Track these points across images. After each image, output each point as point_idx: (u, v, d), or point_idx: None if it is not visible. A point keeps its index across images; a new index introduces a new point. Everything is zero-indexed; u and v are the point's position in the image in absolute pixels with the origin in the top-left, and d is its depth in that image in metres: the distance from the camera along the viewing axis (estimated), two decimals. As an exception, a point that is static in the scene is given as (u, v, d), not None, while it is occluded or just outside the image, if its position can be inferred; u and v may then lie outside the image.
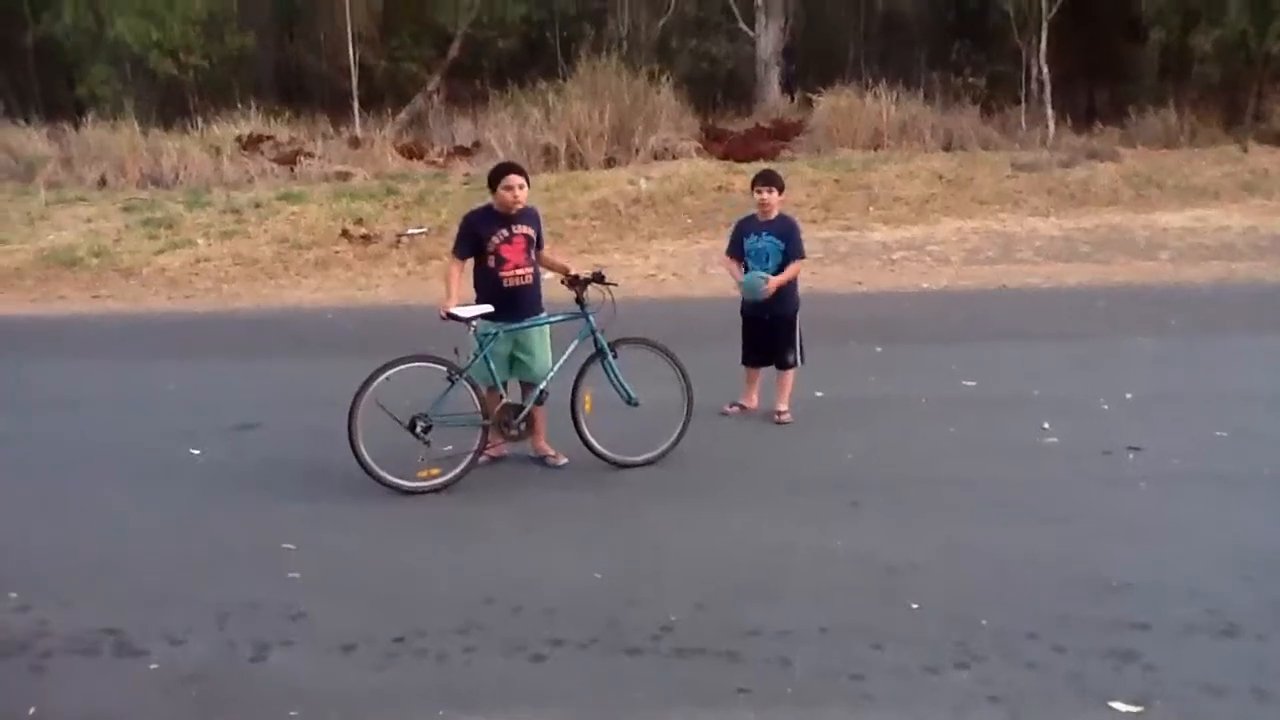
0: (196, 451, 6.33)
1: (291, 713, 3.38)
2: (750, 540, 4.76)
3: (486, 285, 5.77)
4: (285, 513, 5.26)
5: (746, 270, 6.66)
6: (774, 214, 6.62)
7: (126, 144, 18.31)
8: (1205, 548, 4.53)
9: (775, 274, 6.52)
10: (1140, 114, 18.80)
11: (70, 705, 3.47)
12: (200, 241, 14.95)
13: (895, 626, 3.86)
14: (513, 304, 5.74)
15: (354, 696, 3.50)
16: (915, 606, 4.02)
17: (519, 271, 5.76)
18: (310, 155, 18.60)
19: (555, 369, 5.79)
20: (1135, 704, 3.32)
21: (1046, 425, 6.29)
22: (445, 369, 5.45)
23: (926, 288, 11.73)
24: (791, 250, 6.57)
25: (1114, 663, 3.57)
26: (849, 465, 5.80)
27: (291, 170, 18.13)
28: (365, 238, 14.90)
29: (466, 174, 17.68)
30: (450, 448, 5.51)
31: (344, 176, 17.83)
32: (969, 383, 7.39)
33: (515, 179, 5.75)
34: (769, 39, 21.59)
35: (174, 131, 19.25)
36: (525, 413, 5.71)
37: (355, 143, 19.42)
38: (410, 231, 14.94)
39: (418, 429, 5.40)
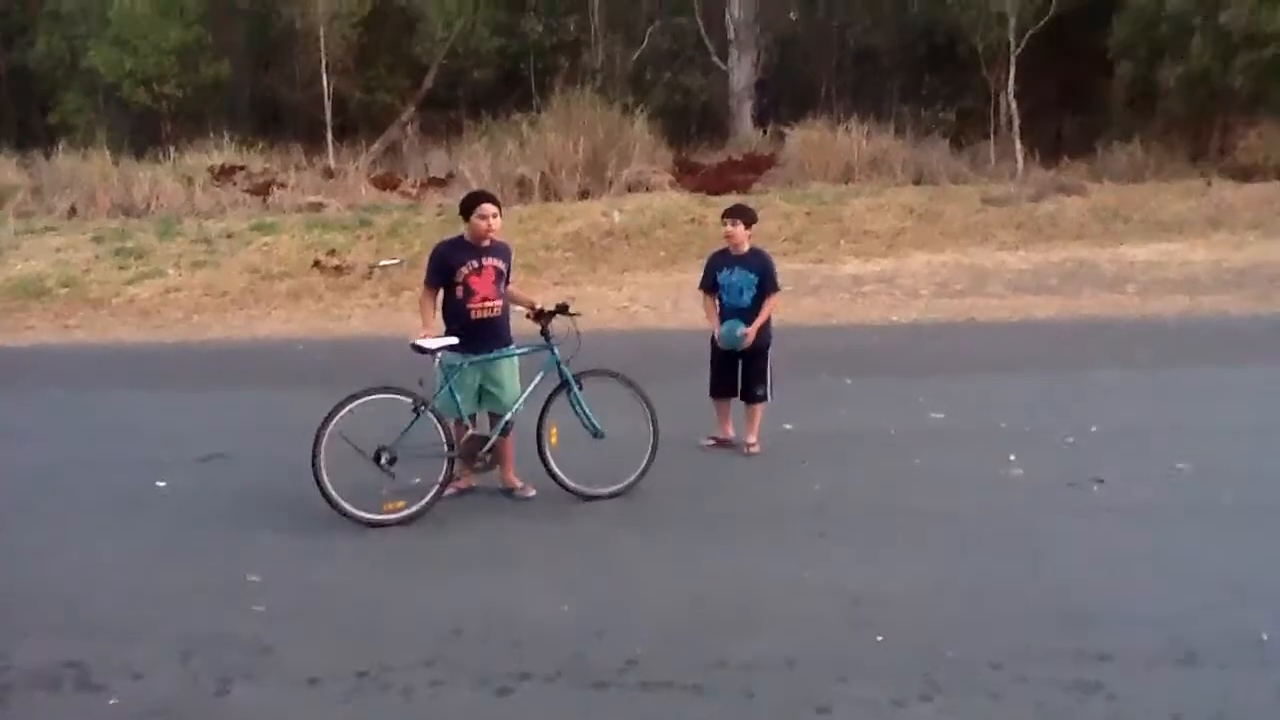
0: (162, 483, 6.28)
1: (254, 748, 3.35)
2: (718, 572, 4.76)
3: (454, 316, 5.78)
4: (251, 545, 5.23)
5: (721, 304, 6.69)
6: (745, 248, 6.66)
7: (98, 173, 18.27)
8: (1168, 578, 4.58)
9: (750, 307, 6.55)
10: (1107, 148, 19.09)
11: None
12: (171, 271, 14.90)
13: (861, 658, 3.88)
14: (481, 335, 5.75)
15: (318, 731, 3.47)
16: (880, 639, 4.04)
17: (487, 303, 5.76)
18: (283, 186, 18.61)
19: (521, 401, 5.80)
20: (1099, 735, 3.34)
21: (1012, 458, 6.35)
22: (410, 401, 5.44)
23: (896, 320, 11.83)
24: (767, 285, 6.61)
25: (1077, 694, 3.59)
26: (817, 497, 5.82)
27: (264, 201, 18.12)
28: (338, 269, 14.89)
29: (440, 205, 17.70)
30: (419, 480, 5.50)
31: (317, 207, 17.83)
32: (937, 415, 7.45)
33: (489, 208, 5.78)
34: (742, 72, 21.83)
35: (146, 161, 19.23)
36: (491, 444, 5.71)
37: (329, 173, 19.43)
38: (383, 263, 14.94)
39: (382, 461, 5.38)
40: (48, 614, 4.45)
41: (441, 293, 5.82)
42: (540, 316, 5.81)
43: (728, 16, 21.96)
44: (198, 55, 21.16)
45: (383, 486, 5.41)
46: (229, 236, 16.06)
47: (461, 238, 5.86)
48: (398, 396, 5.44)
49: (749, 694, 3.63)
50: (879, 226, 15.99)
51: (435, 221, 16.48)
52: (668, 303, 13.11)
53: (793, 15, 24.43)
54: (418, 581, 4.74)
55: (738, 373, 6.68)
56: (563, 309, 5.80)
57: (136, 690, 3.74)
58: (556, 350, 5.80)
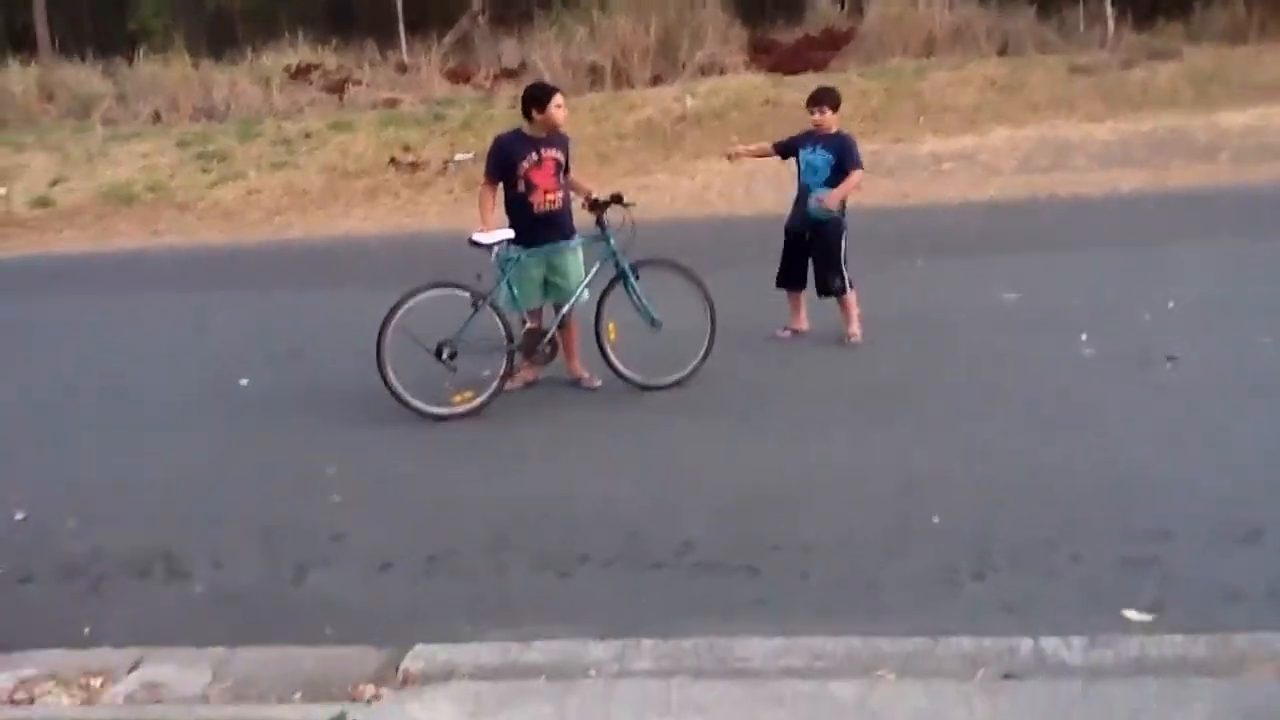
0: (245, 381, 6.52)
1: (327, 630, 3.54)
2: (776, 456, 4.82)
3: (517, 211, 5.81)
4: (328, 437, 5.44)
5: (798, 180, 6.61)
6: (832, 129, 6.53)
7: (178, 77, 18.54)
8: (1234, 456, 4.50)
9: (823, 185, 6.45)
10: (1206, 7, 18.07)
11: (122, 625, 3.66)
12: (252, 173, 15.16)
13: (916, 538, 3.92)
14: (543, 228, 5.79)
15: (388, 613, 3.65)
16: (936, 519, 4.07)
17: (549, 196, 5.78)
18: (358, 83, 18.67)
19: (579, 292, 5.84)
20: (1150, 611, 3.34)
21: (1084, 337, 6.23)
22: (469, 295, 5.52)
23: (974, 199, 11.55)
24: (849, 161, 6.47)
25: (1132, 570, 3.59)
26: (881, 380, 5.81)
27: (340, 99, 18.22)
28: (413, 165, 14.99)
29: (513, 97, 17.54)
30: (487, 372, 5.62)
31: (391, 104, 17.88)
32: (1010, 295, 7.32)
33: (561, 98, 5.78)
34: (818, -56, 21.02)
35: (224, 63, 19.40)
36: (549, 336, 5.78)
37: (402, 68, 19.42)
38: (457, 157, 14.99)
39: (443, 355, 5.50)
40: (138, 504, 4.73)
41: (502, 188, 5.84)
42: (595, 206, 5.82)
43: (802, -115, 21.10)
44: (268, -47, 21.17)
45: (445, 380, 5.53)
46: (307, 136, 16.23)
47: (520, 131, 5.85)
48: (456, 291, 5.52)
49: (803, 573, 3.71)
50: (960, 101, 15.49)
51: (508, 114, 16.34)
52: (740, 189, 12.98)
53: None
54: (482, 471, 4.89)
55: (807, 263, 6.62)
56: (617, 199, 5.79)
57: (219, 577, 3.97)
58: (613, 240, 5.81)
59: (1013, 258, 8.52)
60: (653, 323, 5.86)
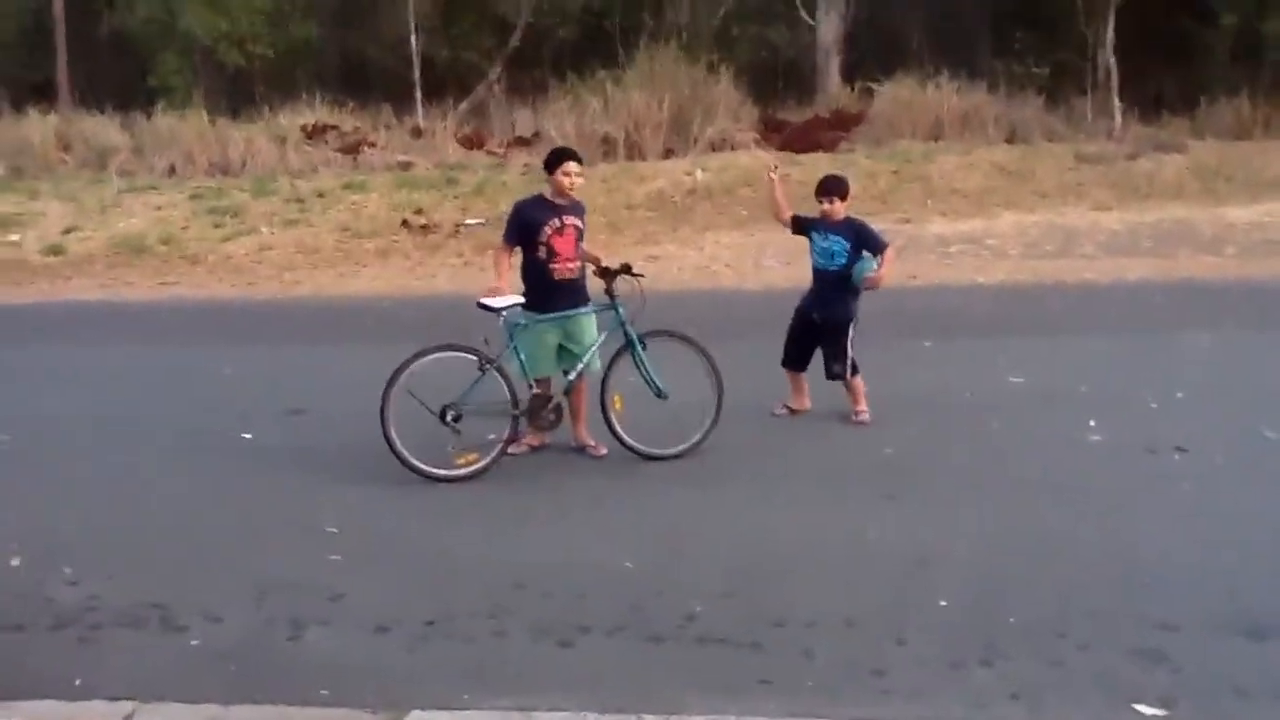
0: (249, 435, 6.50)
1: (323, 690, 3.48)
2: (782, 532, 4.79)
3: (536, 277, 5.83)
4: (330, 496, 5.40)
5: (814, 264, 6.61)
6: (840, 216, 6.58)
7: (195, 133, 18.73)
8: (1242, 550, 4.47)
9: (840, 270, 6.45)
10: (1211, 103, 18.35)
11: (114, 678, 3.60)
12: (265, 229, 15.26)
13: (922, 621, 3.88)
14: (560, 296, 5.82)
15: (384, 676, 3.59)
16: (944, 603, 4.02)
17: (569, 264, 5.82)
18: (373, 145, 18.88)
19: (586, 360, 5.84)
20: (1161, 706, 3.29)
21: (1092, 423, 6.22)
22: (476, 358, 5.53)
23: (982, 282, 11.62)
24: (874, 244, 6.50)
25: (1140, 664, 3.54)
26: (887, 459, 5.79)
27: (354, 159, 18.41)
28: (424, 227, 15.09)
29: (526, 164, 17.79)
30: (492, 436, 5.60)
31: (405, 166, 18.07)
32: (1017, 378, 7.33)
33: (573, 165, 5.84)
34: (829, 27, 21.41)
35: (241, 121, 19.65)
36: (555, 403, 5.77)
37: (417, 132, 19.65)
38: (468, 222, 15.11)
39: (448, 418, 5.50)
40: (136, 554, 4.68)
41: (521, 253, 5.87)
42: (605, 275, 5.83)
43: (815, -30, 21.56)
44: (288, 15, 21.56)
45: (449, 443, 5.52)
46: (320, 195, 16.37)
47: (541, 196, 5.90)
48: (463, 354, 5.53)
49: (807, 652, 3.66)
50: (967, 185, 15.65)
51: (520, 180, 16.58)
52: (749, 262, 13.05)
53: (883, -32, 23.86)
54: (484, 535, 4.86)
55: (813, 345, 6.63)
56: (626, 269, 5.81)
57: (216, 631, 3.92)
58: (621, 310, 5.83)
59: (1020, 341, 8.54)
60: (659, 393, 5.85)
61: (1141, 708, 3.29)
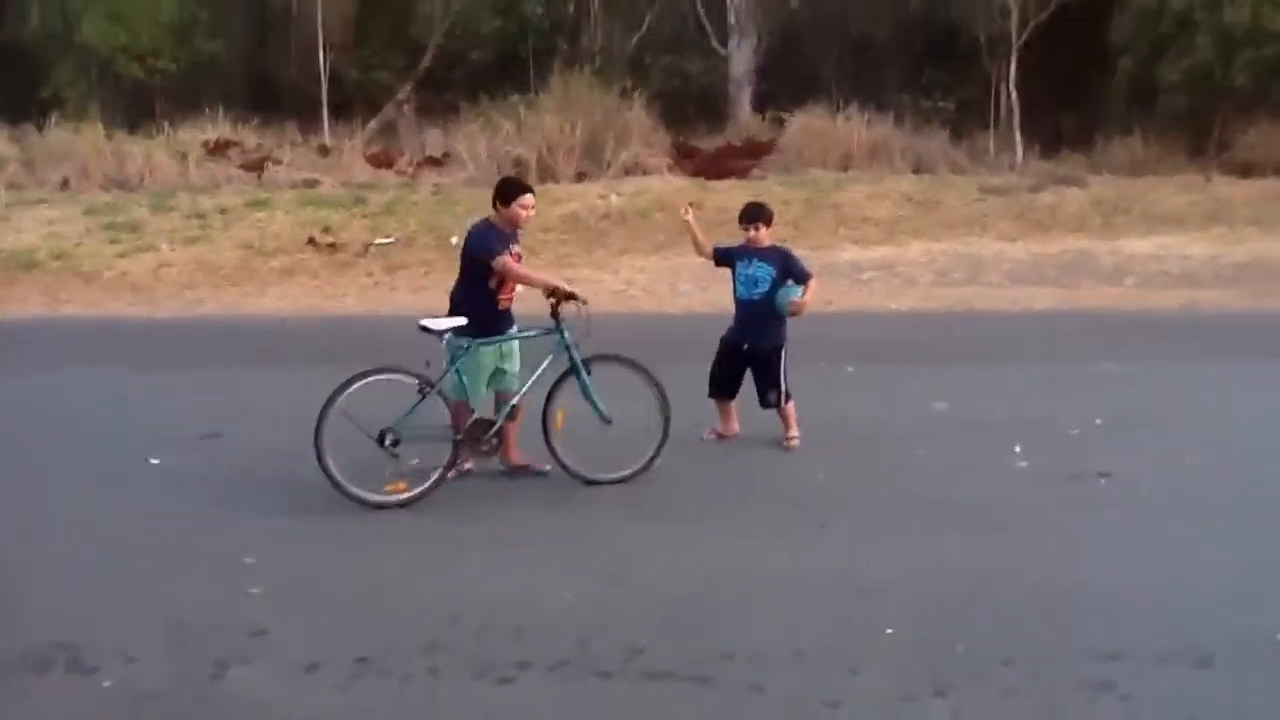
0: (155, 461, 6.18)
1: (250, 734, 3.28)
2: (722, 561, 4.69)
3: (483, 303, 5.67)
4: (247, 526, 5.15)
5: (735, 294, 6.55)
6: (765, 244, 6.55)
7: (90, 146, 18.08)
8: (1178, 575, 4.52)
9: (763, 299, 6.43)
10: (1107, 142, 19.01)
11: (19, 724, 3.34)
12: (164, 246, 14.75)
13: (871, 651, 3.81)
14: (502, 322, 5.75)
15: (315, 718, 3.40)
16: (890, 631, 3.97)
17: (512, 293, 5.77)
18: (278, 162, 18.45)
19: (530, 384, 5.71)
20: (1112, 735, 3.28)
21: (1017, 449, 6.28)
22: (416, 382, 5.36)
23: (895, 308, 11.76)
24: (797, 273, 6.49)
25: (1089, 693, 3.53)
26: (820, 487, 5.75)
27: (259, 177, 17.96)
28: (332, 246, 14.76)
29: (436, 184, 17.59)
30: (417, 461, 5.42)
31: (312, 184, 17.68)
32: (939, 405, 7.38)
33: (530, 199, 5.72)
34: (742, 58, 21.68)
35: (140, 135, 19.03)
36: (498, 427, 5.62)
37: (324, 151, 19.27)
38: (378, 241, 14.82)
39: (386, 442, 5.31)
40: (40, 595, 4.37)
41: (464, 281, 5.72)
42: (555, 296, 5.65)
43: (728, 1, 21.79)
44: (193, 30, 20.98)
45: (386, 468, 5.34)
46: (223, 212, 15.90)
47: (490, 223, 5.72)
48: (403, 377, 5.37)
49: (757, 686, 3.56)
50: (878, 214, 15.90)
51: (430, 200, 16.38)
52: (665, 286, 13.02)
53: (793, 1, 24.25)
54: (417, 567, 4.66)
55: (741, 374, 6.57)
56: (571, 295, 5.65)
57: (129, 673, 3.66)
58: (567, 334, 5.70)
59: (938, 368, 8.64)
60: (603, 419, 5.73)
61: (1094, 737, 3.28)
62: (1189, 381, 8.16)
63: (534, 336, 5.79)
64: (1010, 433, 6.58)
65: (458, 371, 5.50)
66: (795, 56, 22.88)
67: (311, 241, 14.85)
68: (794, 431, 6.48)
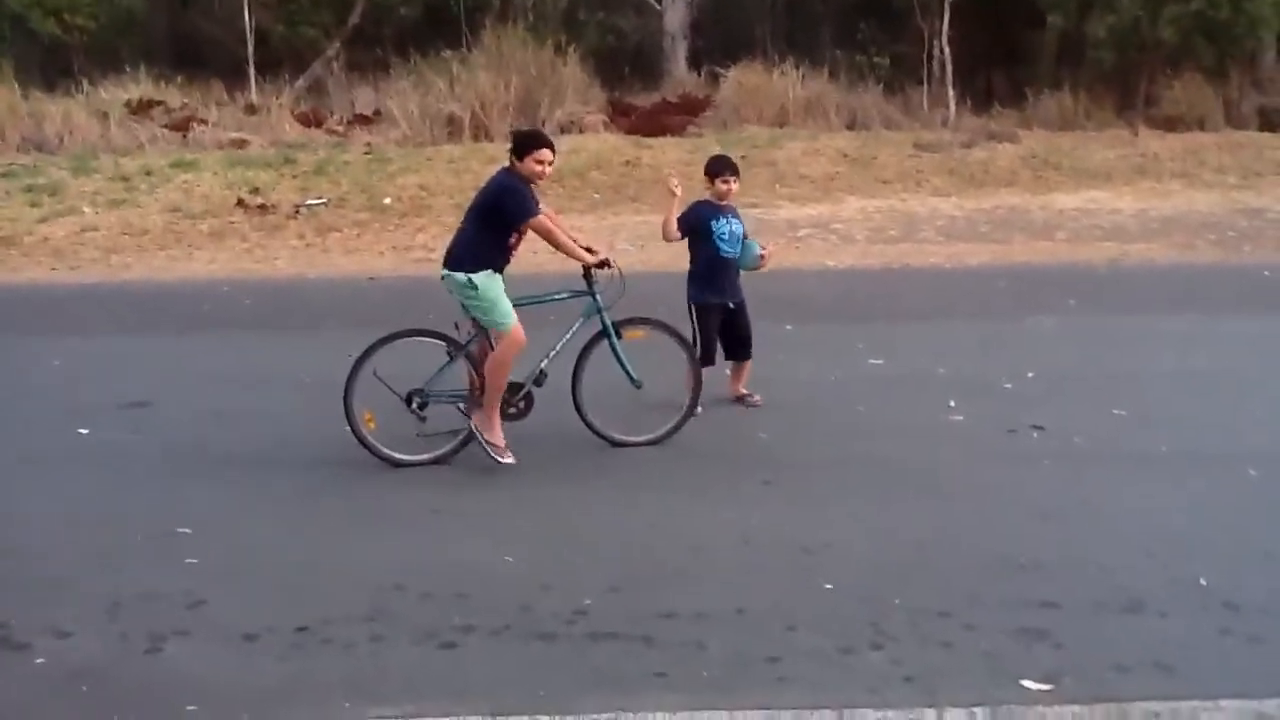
0: (84, 431, 6.04)
1: (190, 707, 3.23)
2: (664, 521, 4.72)
3: (496, 255, 5.37)
4: (181, 495, 5.06)
5: (714, 253, 6.42)
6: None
7: (5, 107, 17.45)
8: (1110, 526, 4.62)
9: (739, 253, 6.45)
10: (1038, 97, 19.20)
11: (-52, 704, 3.26)
12: (87, 210, 14.33)
13: (810, 608, 3.86)
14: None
15: (257, 689, 3.36)
16: (829, 587, 4.02)
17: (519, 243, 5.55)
18: (204, 122, 17.96)
19: (559, 347, 5.63)
20: (1046, 681, 3.35)
21: (952, 404, 6.37)
22: (445, 344, 5.38)
23: (832, 265, 11.82)
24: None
25: (1025, 641, 3.61)
26: (762, 445, 5.79)
27: (184, 137, 17.48)
28: (262, 208, 14.43)
29: (367, 144, 17.26)
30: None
31: (239, 144, 17.25)
32: (876, 361, 7.46)
33: (549, 154, 5.41)
34: (676, 13, 21.48)
35: (58, 95, 18.43)
36: (524, 390, 5.54)
37: (251, 109, 18.81)
38: (309, 202, 14.52)
39: (413, 404, 5.33)
40: (-36, 569, 4.26)
41: (488, 232, 5.37)
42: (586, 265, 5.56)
43: (662, -45, 21.59)
44: (111, -15, 20.32)
45: (415, 430, 5.38)
46: (148, 174, 15.46)
47: (517, 177, 5.37)
48: (432, 340, 5.40)
49: (699, 644, 3.59)
50: (813, 171, 15.92)
51: (362, 160, 16.07)
52: (603, 246, 12.88)
53: (727, -45, 24.10)
54: (356, 535, 4.62)
55: (733, 330, 6.53)
56: (602, 264, 5.57)
57: (63, 649, 3.59)
58: (599, 297, 5.64)
59: (874, 325, 8.71)
60: (634, 382, 5.70)
61: (1028, 683, 3.34)
62: (1118, 335, 8.32)
63: (565, 299, 5.69)
64: (946, 388, 6.67)
65: (480, 309, 5.34)
66: (730, 12, 22.78)
67: (240, 203, 14.51)
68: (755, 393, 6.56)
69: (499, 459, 5.31)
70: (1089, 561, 4.22)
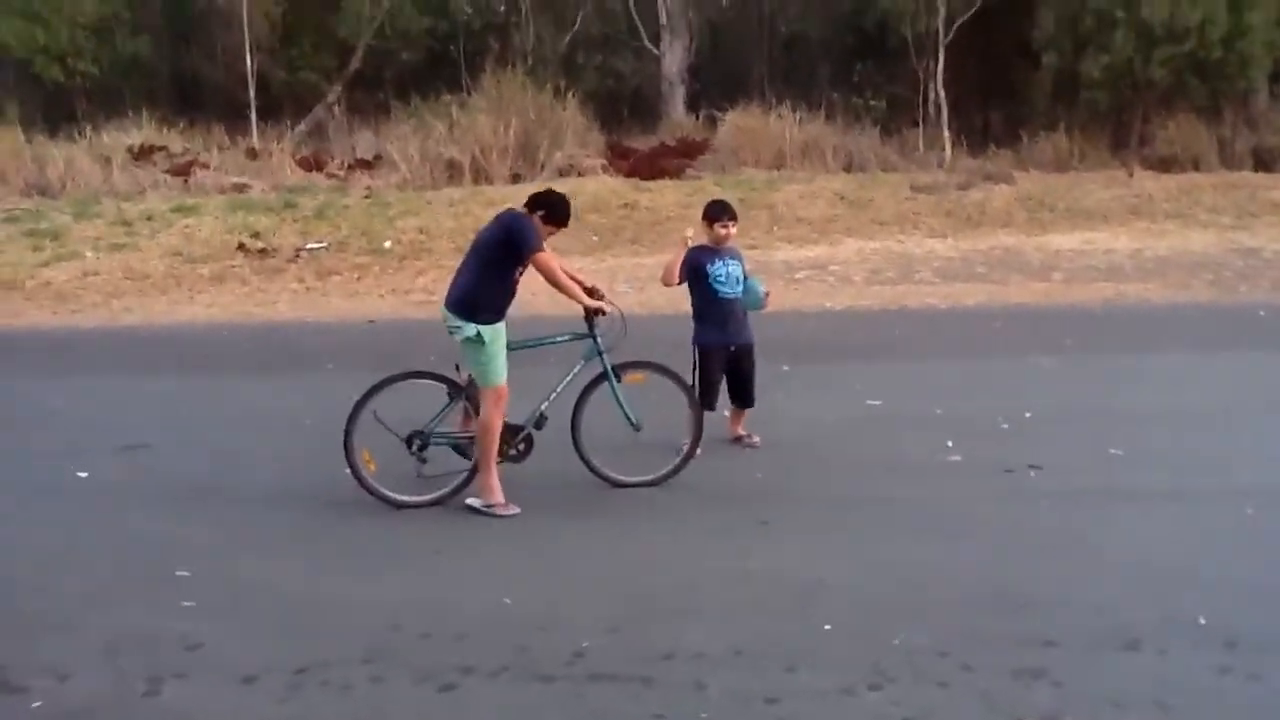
0: (84, 474, 6.05)
1: (187, 750, 3.23)
2: (663, 562, 4.72)
3: (500, 293, 5.41)
4: (179, 537, 5.06)
5: (712, 296, 6.46)
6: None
7: (9, 150, 17.62)
8: (1107, 563, 4.63)
9: (738, 296, 6.50)
10: (1033, 137, 19.37)
11: (-55, 748, 3.26)
12: (89, 254, 14.42)
13: (810, 647, 3.86)
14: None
15: (254, 732, 3.36)
16: (828, 627, 4.02)
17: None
18: (205, 166, 18.13)
19: (560, 390, 5.64)
20: (1044, 721, 3.36)
21: (950, 444, 6.38)
22: (445, 386, 5.40)
23: (830, 307, 11.88)
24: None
25: (1023, 680, 3.61)
26: (759, 485, 5.80)
27: (185, 182, 17.63)
28: (262, 251, 14.53)
29: (368, 187, 17.41)
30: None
31: (241, 188, 17.40)
32: (874, 402, 7.48)
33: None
34: (674, 57, 21.75)
35: (61, 139, 18.59)
36: (525, 432, 5.55)
37: (253, 154, 18.98)
38: (310, 246, 14.62)
39: (414, 446, 5.35)
40: (-37, 612, 4.26)
41: (494, 271, 5.40)
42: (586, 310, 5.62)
43: (659, 1, 21.85)
44: (115, 31, 20.55)
45: (415, 471, 5.38)
46: (149, 218, 15.57)
47: (528, 217, 5.48)
48: (432, 382, 5.42)
49: (698, 685, 3.59)
50: (811, 213, 16.04)
51: (362, 204, 16.19)
52: (601, 288, 12.98)
53: (724, 0, 24.42)
54: (353, 575, 4.62)
55: (736, 373, 6.54)
56: (599, 312, 5.63)
57: (61, 691, 3.59)
58: (600, 340, 5.67)
59: (872, 365, 8.74)
60: (633, 425, 5.72)
61: (1027, 724, 3.35)
62: (1114, 374, 8.35)
63: (565, 341, 5.73)
64: (944, 428, 6.69)
65: (482, 360, 5.35)
66: (727, 55, 23.07)
67: (241, 247, 14.61)
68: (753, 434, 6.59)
69: (503, 514, 5.32)
70: (1086, 600, 4.22)
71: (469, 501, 5.38)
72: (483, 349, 5.27)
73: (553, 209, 5.53)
